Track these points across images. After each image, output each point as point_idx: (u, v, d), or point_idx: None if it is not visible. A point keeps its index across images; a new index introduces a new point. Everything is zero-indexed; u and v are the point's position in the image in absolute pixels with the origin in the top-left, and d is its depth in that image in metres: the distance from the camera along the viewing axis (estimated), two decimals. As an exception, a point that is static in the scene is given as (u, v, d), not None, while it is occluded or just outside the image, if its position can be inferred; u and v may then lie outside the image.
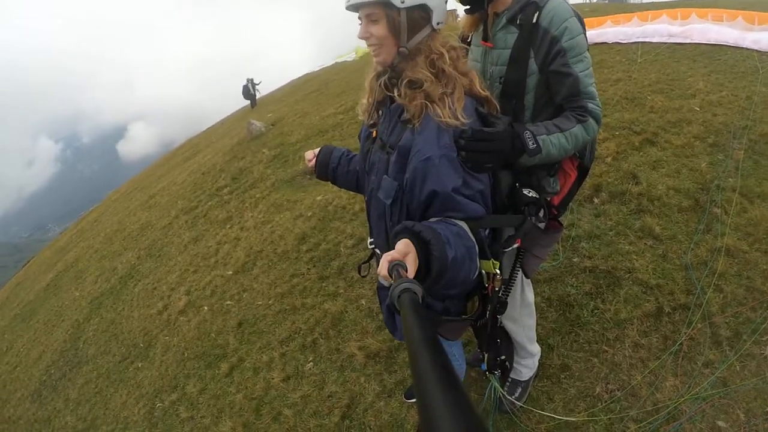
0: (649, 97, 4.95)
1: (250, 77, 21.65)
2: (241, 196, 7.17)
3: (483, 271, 1.44)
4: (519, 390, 2.41)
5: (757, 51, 5.58)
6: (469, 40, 1.77)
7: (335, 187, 5.49)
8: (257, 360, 3.52)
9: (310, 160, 1.87)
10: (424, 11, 1.33)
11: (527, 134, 1.36)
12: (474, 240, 1.25)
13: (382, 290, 1.80)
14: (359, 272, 1.87)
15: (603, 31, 7.70)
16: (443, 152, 1.28)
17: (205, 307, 4.55)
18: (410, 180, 1.32)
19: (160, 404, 3.71)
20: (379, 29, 1.34)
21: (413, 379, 0.49)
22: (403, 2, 1.29)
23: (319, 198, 5.62)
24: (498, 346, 1.83)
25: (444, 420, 0.38)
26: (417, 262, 1.06)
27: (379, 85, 1.47)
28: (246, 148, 9.99)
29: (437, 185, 1.27)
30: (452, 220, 1.26)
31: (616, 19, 8.04)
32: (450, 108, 1.31)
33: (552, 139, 1.42)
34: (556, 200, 1.72)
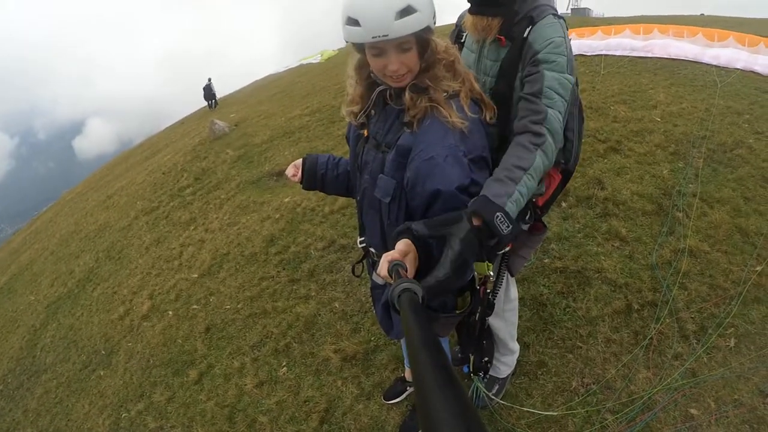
0: (612, 108, 5.18)
1: (210, 77, 21.31)
2: (205, 197, 6.98)
3: (475, 273, 1.45)
4: (496, 387, 2.46)
5: (715, 66, 5.96)
6: (462, 41, 1.73)
7: (302, 192, 5.46)
8: (228, 366, 3.40)
9: (294, 175, 1.83)
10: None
11: (498, 218, 1.17)
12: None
13: (376, 289, 1.78)
14: (353, 272, 1.84)
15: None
16: (448, 152, 1.25)
17: (170, 312, 4.36)
18: (412, 179, 1.30)
19: (126, 414, 3.51)
20: (411, 57, 1.28)
21: (413, 379, 0.49)
22: (434, 22, 1.27)
23: (287, 200, 5.54)
24: (483, 348, 1.85)
25: (444, 420, 0.39)
26: (417, 261, 1.08)
27: (381, 96, 1.43)
28: (209, 148, 9.75)
29: (441, 184, 1.25)
30: None
31: (581, 32, 8.36)
32: (457, 108, 1.30)
33: (521, 190, 1.27)
34: (540, 201, 1.74)
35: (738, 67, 5.81)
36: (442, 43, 1.37)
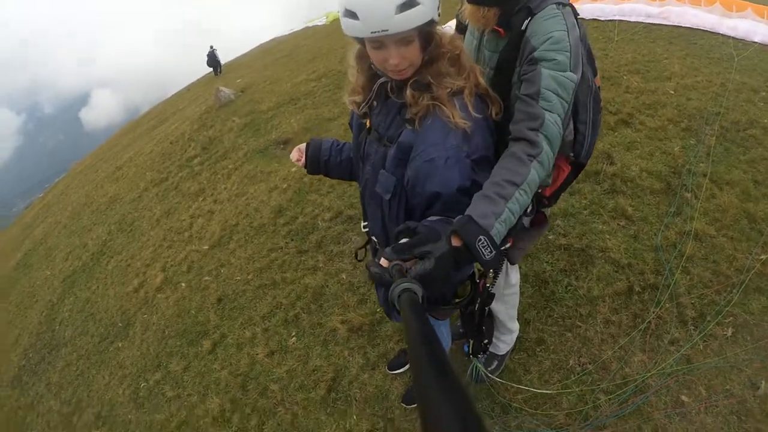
0: (625, 77, 5.01)
1: (213, 44, 20.99)
2: (213, 167, 6.99)
3: (476, 267, 1.46)
4: (495, 363, 2.53)
5: (733, 38, 5.67)
6: (465, 24, 1.63)
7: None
8: (240, 336, 3.53)
9: (298, 159, 1.81)
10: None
11: (481, 242, 1.08)
12: None
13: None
14: (356, 257, 1.87)
15: (580, 7, 7.70)
16: (449, 153, 1.22)
17: (183, 284, 4.49)
18: (412, 179, 1.29)
19: (145, 384, 3.70)
20: (413, 50, 1.22)
21: (413, 379, 0.49)
22: (439, 14, 1.20)
23: (294, 169, 5.54)
24: (483, 333, 1.85)
25: (444, 420, 0.39)
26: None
27: (382, 88, 1.37)
28: (215, 117, 9.68)
29: (441, 187, 1.23)
30: (452, 219, 1.21)
31: (594, -4, 8.03)
32: (460, 106, 1.25)
33: (512, 207, 1.18)
34: (548, 191, 1.65)
35: (756, 40, 5.55)
36: (447, 34, 1.30)
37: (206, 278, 4.38)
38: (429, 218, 1.25)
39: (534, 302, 2.86)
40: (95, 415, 3.84)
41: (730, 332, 2.45)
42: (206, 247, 4.86)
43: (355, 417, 2.66)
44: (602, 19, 7.21)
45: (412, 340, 0.59)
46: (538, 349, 2.62)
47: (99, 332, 4.76)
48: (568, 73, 1.28)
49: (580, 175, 1.72)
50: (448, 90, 1.25)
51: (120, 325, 4.62)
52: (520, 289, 2.86)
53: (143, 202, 7.13)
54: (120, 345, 4.37)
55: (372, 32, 1.13)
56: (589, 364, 2.49)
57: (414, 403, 2.58)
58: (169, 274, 4.79)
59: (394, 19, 1.10)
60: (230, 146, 7.40)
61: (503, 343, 2.50)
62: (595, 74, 1.54)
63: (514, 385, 2.46)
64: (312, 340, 3.21)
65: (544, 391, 2.39)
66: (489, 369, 2.50)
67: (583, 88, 1.41)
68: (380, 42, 1.18)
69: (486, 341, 1.88)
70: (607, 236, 3.14)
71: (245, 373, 3.20)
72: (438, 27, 1.27)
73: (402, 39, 1.17)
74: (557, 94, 1.27)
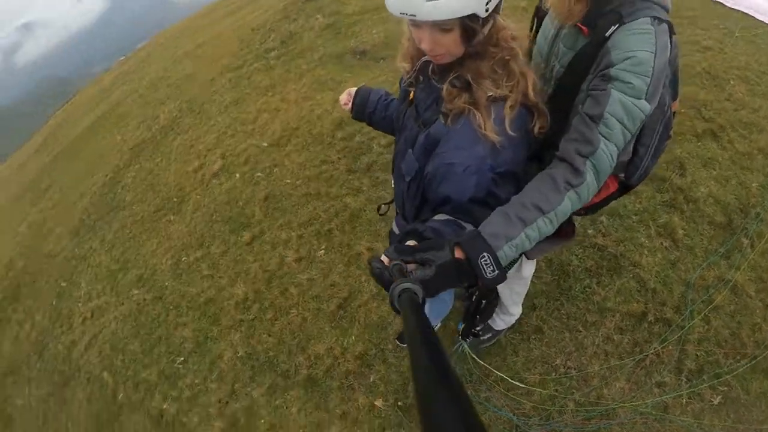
0: (731, 83, 4.27)
1: None
2: (288, 64, 6.94)
3: None
4: (489, 335, 2.60)
5: None
6: (546, 9, 1.44)
7: (380, 77, 5.39)
8: (276, 236, 3.82)
9: (345, 103, 1.79)
10: (496, 5, 1.12)
11: (484, 259, 1.03)
12: None
13: (393, 236, 1.85)
14: (378, 210, 1.94)
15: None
16: (471, 162, 1.17)
17: (237, 174, 4.77)
18: (430, 175, 1.26)
19: (185, 258, 4.14)
20: (450, 38, 1.12)
21: (412, 379, 0.49)
22: (487, 11, 1.07)
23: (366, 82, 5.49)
24: (476, 320, 1.84)
25: (444, 419, 0.39)
26: None
27: (426, 66, 1.31)
28: (300, 10, 9.38)
29: (453, 193, 1.21)
30: (462, 222, 1.21)
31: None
32: (496, 117, 1.16)
33: (530, 234, 1.11)
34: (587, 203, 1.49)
35: None
36: (504, 32, 1.18)
37: (259, 174, 4.62)
38: (439, 216, 1.24)
39: (548, 291, 2.83)
40: (137, 276, 4.38)
41: (717, 401, 2.35)
42: (265, 144, 5.04)
43: (353, 337, 2.94)
44: (728, 5, 6.15)
45: (412, 341, 0.59)
46: (534, 337, 2.67)
47: (155, 203, 5.21)
48: (642, 102, 1.13)
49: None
50: (489, 95, 1.17)
51: (175, 200, 5.04)
52: (540, 273, 2.88)
53: (215, 87, 7.31)
54: (171, 218, 4.80)
55: (401, 13, 1.06)
56: (574, 369, 2.50)
57: (405, 344, 2.71)
58: (227, 163, 5.07)
59: (423, 7, 1.02)
60: (308, 46, 7.26)
61: (502, 321, 2.52)
62: (674, 98, 1.39)
63: (494, 371, 2.54)
64: (337, 258, 3.44)
65: (518, 384, 2.47)
66: (482, 338, 2.57)
67: (655, 114, 1.25)
68: (415, 22, 1.11)
69: (478, 328, 1.89)
70: (646, 252, 2.92)
71: (273, 271, 3.53)
72: (497, 21, 1.17)
73: (437, 25, 1.09)
74: (622, 122, 1.13)
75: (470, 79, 1.18)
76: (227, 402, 3.06)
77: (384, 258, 1.03)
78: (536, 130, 1.23)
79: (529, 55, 1.46)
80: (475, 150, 1.17)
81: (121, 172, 6.36)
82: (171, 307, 3.88)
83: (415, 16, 1.04)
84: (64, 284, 5.24)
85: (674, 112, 1.43)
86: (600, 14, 1.20)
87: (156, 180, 5.67)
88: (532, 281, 2.60)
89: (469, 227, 1.19)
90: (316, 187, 4.14)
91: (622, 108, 1.12)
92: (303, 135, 4.93)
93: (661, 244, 2.99)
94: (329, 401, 2.79)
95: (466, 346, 2.47)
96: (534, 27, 1.49)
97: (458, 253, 1.03)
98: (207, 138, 5.84)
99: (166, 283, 4.09)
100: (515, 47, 1.19)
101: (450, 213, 1.23)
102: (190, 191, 5.00)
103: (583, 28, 1.24)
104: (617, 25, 1.16)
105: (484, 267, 1.03)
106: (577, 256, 2.99)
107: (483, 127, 1.15)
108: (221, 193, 4.64)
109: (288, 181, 4.37)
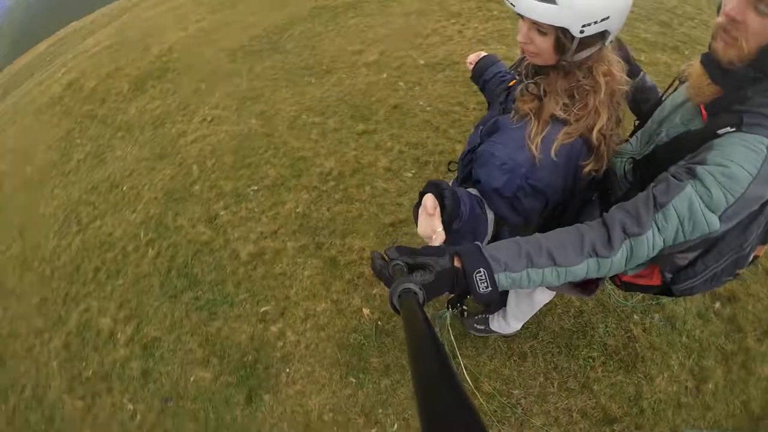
0: None
1: None
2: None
3: None
4: (483, 326, 2.54)
5: None
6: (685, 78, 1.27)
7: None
8: (382, 141, 4.05)
9: (470, 63, 1.83)
10: (601, 35, 1.11)
11: (479, 274, 1.01)
12: (489, 232, 1.31)
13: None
14: (448, 166, 1.89)
15: None
16: (509, 162, 1.24)
17: (385, 75, 4.97)
18: (478, 155, 1.35)
19: (305, 117, 4.64)
20: (544, 42, 1.14)
21: (412, 378, 0.49)
22: (582, 32, 1.07)
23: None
24: (462, 301, 1.83)
25: (444, 420, 0.39)
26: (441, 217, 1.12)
27: (521, 64, 1.35)
28: None
29: (483, 178, 1.30)
30: (484, 205, 1.29)
31: None
32: (548, 136, 1.19)
33: (533, 277, 1.06)
34: (625, 278, 1.38)
35: None
36: (600, 65, 1.18)
37: (401, 83, 4.79)
38: (471, 189, 1.34)
39: (559, 334, 2.60)
40: (261, 111, 5.00)
41: None
42: (422, 62, 5.08)
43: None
44: None
45: (412, 341, 0.59)
46: (515, 359, 2.55)
47: (308, 62, 5.69)
48: (712, 217, 1.00)
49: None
50: (553, 114, 1.19)
51: (324, 68, 5.44)
52: (566, 316, 2.66)
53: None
54: (312, 81, 5.25)
55: (519, 8, 1.09)
56: (521, 409, 2.37)
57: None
58: (382, 60, 5.28)
59: (523, 1, 1.06)
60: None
61: (498, 324, 2.46)
62: (763, 242, 1.22)
63: (459, 355, 2.49)
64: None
65: (469, 383, 2.43)
66: (476, 326, 2.55)
67: (731, 241, 1.13)
68: (516, 13, 1.14)
69: (465, 308, 1.92)
70: (665, 377, 2.44)
71: (362, 166, 3.85)
72: (602, 53, 1.17)
73: (537, 24, 1.10)
74: (681, 222, 1.03)
75: (544, 91, 1.21)
76: (266, 237, 3.48)
77: (386, 255, 1.03)
78: (586, 169, 1.23)
79: (627, 100, 1.36)
80: (517, 155, 1.22)
81: (295, 23, 6.85)
82: (272, 147, 4.34)
83: (514, 6, 1.09)
84: (203, 86, 5.99)
85: (756, 256, 1.26)
86: (726, 108, 1.06)
87: (318, 44, 6.07)
88: (553, 315, 2.53)
89: (490, 215, 1.28)
90: (439, 121, 4.20)
91: (689, 209, 1.01)
92: (458, 72, 4.89)
93: (686, 386, 2.43)
94: (332, 286, 3.06)
95: (449, 316, 2.43)
96: (673, 89, 1.35)
97: (457, 262, 1.02)
98: (379, 31, 6.03)
99: (279, 128, 4.55)
100: (602, 83, 1.17)
101: (480, 192, 1.32)
102: (340, 67, 5.33)
103: (705, 112, 1.12)
104: (734, 129, 1.01)
105: (478, 282, 1.01)
106: (606, 326, 2.65)
107: (531, 138, 1.20)
108: (363, 82, 4.90)
109: (421, 102, 4.46)
